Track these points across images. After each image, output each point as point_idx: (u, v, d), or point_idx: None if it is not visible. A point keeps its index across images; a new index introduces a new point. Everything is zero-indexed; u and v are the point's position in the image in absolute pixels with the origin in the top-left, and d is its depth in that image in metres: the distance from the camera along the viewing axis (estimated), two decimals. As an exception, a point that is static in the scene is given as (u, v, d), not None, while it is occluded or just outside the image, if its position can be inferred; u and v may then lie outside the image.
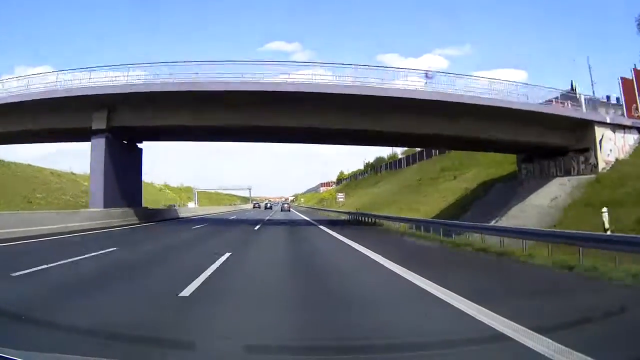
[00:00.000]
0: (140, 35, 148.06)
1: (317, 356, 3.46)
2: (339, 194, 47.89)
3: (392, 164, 60.05)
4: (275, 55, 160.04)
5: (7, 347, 2.23)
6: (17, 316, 4.06)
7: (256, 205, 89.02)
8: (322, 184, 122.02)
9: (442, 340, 3.59)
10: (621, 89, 22.17)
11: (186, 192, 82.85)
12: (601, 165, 19.13)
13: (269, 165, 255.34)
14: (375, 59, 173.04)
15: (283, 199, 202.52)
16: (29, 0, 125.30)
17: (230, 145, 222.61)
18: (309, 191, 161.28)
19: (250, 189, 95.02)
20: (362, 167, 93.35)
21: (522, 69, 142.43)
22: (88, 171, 22.07)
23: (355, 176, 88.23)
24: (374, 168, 73.34)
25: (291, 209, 63.03)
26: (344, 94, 17.26)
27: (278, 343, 3.59)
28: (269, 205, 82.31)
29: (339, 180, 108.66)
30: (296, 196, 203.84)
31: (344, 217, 33.43)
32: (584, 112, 20.13)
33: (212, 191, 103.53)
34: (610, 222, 11.24)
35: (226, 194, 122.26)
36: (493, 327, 3.88)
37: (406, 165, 52.70)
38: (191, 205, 63.46)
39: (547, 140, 20.18)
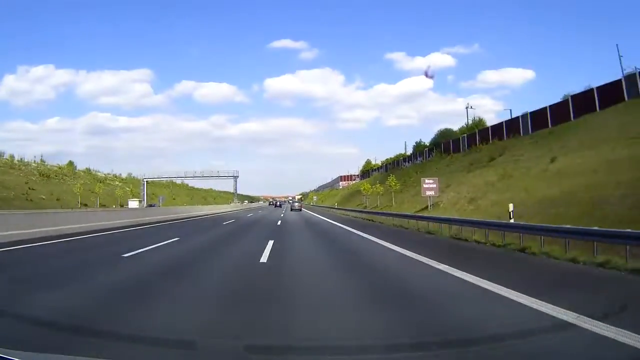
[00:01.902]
0: (142, 34, 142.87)
1: (319, 356, 3.27)
2: (428, 180, 21.20)
3: (510, 124, 32.82)
4: (281, 53, 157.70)
5: (7, 347, 2.12)
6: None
7: (271, 203, 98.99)
8: (342, 178, 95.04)
9: None
10: None
11: (160, 187, 56.51)
12: None
13: (269, 167, 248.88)
14: (382, 57, 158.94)
15: (290, 198, 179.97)
16: (31, 1, 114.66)
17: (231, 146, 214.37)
18: (321, 188, 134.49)
19: (236, 178, 65.09)
20: (402, 152, 66.96)
21: (529, 69, 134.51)
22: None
23: (396, 163, 61.36)
24: (437, 146, 46.40)
25: (303, 209, 49.34)
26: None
27: (280, 343, 3.39)
28: (278, 203, 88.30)
29: (366, 172, 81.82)
30: (304, 195, 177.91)
31: None
32: None
33: (189, 185, 77.29)
34: None
35: (206, 189, 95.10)
36: None
37: (555, 122, 25.80)
38: (133, 204, 37.31)
39: None
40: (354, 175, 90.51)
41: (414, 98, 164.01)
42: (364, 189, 38.90)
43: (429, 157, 48.58)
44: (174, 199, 58.25)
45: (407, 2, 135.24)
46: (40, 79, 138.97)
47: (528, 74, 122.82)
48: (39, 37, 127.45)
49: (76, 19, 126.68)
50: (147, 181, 48.94)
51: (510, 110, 44.42)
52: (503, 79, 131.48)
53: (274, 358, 3.32)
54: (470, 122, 46.85)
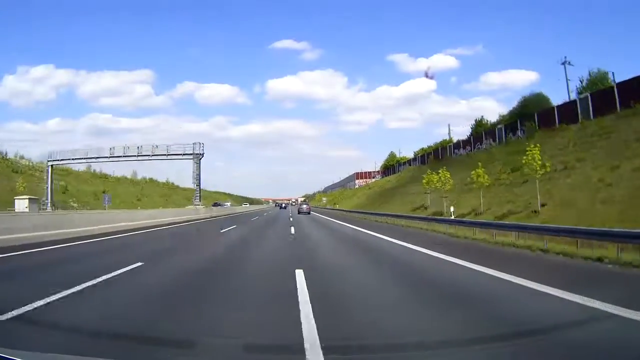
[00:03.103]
0: (143, 34, 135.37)
1: (319, 357, 2.96)
2: None
3: None
4: (284, 54, 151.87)
5: (7, 347, 2.07)
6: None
7: (277, 205, 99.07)
8: (359, 175, 79.10)
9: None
10: None
11: (126, 185, 40.55)
12: None
13: (271, 169, 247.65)
14: (385, 58, 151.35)
15: (292, 200, 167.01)
16: (31, 1, 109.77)
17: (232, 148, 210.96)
18: (329, 188, 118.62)
19: (199, 157, 36.36)
20: (445, 139, 50.97)
21: (533, 70, 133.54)
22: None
23: (440, 152, 45.55)
24: (525, 117, 30.54)
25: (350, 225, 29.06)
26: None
27: (279, 343, 3.31)
28: (283, 205, 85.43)
29: (389, 167, 66.10)
30: (307, 196, 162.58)
31: None
32: None
33: (173, 184, 60.73)
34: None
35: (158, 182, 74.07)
36: None
37: None
38: (22, 204, 21.43)
39: None
40: (373, 172, 74.65)
41: (416, 100, 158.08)
42: (431, 182, 22.92)
43: (507, 136, 32.83)
44: (138, 199, 42.61)
45: (409, 3, 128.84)
46: (40, 80, 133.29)
47: (532, 76, 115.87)
48: (39, 37, 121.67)
49: (76, 18, 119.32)
50: (52, 166, 30.07)
51: (613, 73, 28.79)
52: (506, 81, 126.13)
53: (274, 357, 3.21)
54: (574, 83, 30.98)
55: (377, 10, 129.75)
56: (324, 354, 2.91)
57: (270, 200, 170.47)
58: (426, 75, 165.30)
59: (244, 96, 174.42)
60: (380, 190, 49.00)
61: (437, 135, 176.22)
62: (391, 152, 67.92)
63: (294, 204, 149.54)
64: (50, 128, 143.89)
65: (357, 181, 78.03)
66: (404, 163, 60.13)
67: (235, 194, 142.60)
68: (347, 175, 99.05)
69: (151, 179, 69.23)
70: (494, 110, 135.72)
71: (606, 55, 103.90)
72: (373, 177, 73.49)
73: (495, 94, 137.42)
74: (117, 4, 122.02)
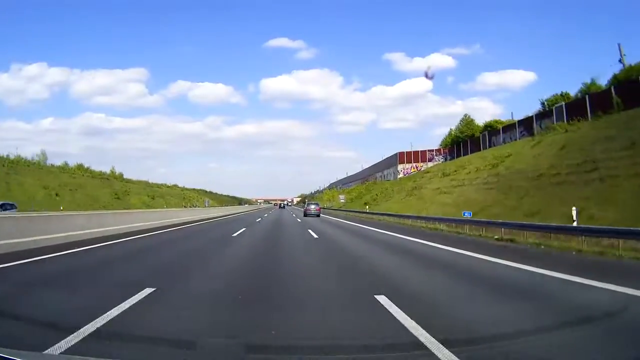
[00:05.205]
0: (137, 32, 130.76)
1: (319, 356, 3.16)
2: None
3: None
4: (278, 52, 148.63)
5: (7, 347, 2.04)
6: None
7: (275, 204, 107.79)
8: (404, 157, 54.54)
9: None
10: None
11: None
12: None
13: (265, 169, 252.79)
14: (381, 57, 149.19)
15: (287, 200, 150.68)
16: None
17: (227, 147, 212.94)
18: (339, 185, 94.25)
19: None
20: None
21: (531, 71, 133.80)
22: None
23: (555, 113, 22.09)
24: None
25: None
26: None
27: (279, 343, 3.30)
28: (282, 205, 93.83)
29: (464, 141, 42.78)
30: (304, 196, 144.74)
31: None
32: None
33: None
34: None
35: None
36: None
37: None
38: None
39: None
40: (431, 149, 50.94)
41: (412, 100, 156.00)
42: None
43: None
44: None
45: (406, 1, 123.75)
46: (33, 78, 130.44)
47: (529, 76, 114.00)
48: (32, 35, 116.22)
49: (70, 16, 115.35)
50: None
51: None
52: (503, 81, 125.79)
53: (274, 358, 3.20)
54: None
55: (373, 9, 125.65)
56: None
57: (262, 200, 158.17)
58: (426, 76, 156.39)
59: (238, 96, 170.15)
60: (523, 177, 24.87)
61: (435, 136, 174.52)
62: (465, 115, 44.47)
63: (289, 204, 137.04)
64: (43, 127, 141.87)
65: (400, 166, 53.89)
66: (504, 129, 36.75)
67: (225, 194, 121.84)
68: (358, 170, 75.75)
69: (85, 169, 44.65)
70: (492, 112, 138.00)
71: (606, 55, 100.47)
72: (429, 160, 49.93)
73: (491, 95, 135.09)
74: (111, 2, 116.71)
